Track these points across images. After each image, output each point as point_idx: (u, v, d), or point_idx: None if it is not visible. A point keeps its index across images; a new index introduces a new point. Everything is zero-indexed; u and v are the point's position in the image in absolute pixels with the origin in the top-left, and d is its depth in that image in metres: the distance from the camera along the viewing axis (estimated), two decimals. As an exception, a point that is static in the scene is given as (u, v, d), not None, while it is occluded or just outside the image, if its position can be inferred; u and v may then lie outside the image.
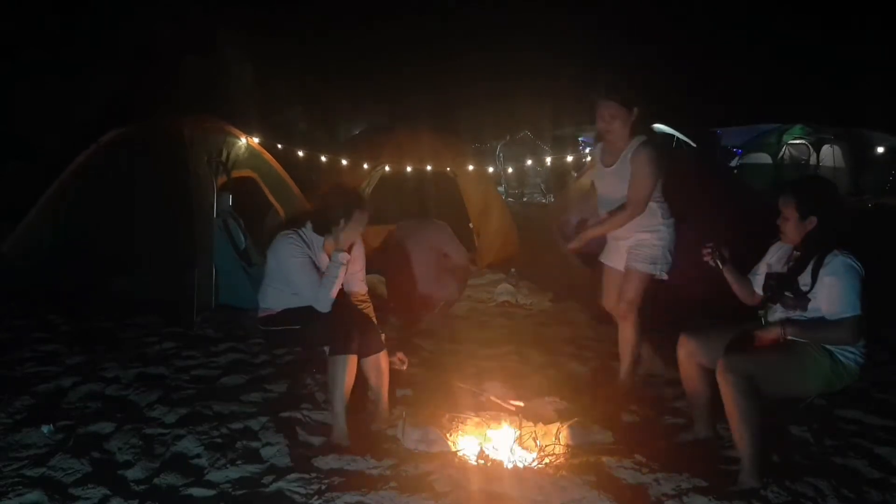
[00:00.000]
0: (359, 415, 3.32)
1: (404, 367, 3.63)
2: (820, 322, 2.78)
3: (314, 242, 3.36)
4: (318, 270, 3.27)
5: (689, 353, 3.10)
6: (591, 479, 2.65)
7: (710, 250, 3.06)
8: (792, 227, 2.88)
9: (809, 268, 2.82)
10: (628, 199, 3.50)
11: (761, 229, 3.31)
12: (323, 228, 3.33)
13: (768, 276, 3.04)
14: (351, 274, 3.54)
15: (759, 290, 3.09)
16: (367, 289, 3.68)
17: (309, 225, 3.37)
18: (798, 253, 2.91)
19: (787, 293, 2.88)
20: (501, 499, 2.59)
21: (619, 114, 3.45)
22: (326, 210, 3.30)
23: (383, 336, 3.48)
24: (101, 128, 6.18)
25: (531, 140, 18.51)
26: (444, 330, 5.23)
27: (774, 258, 3.08)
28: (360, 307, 3.55)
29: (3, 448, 3.00)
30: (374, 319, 3.58)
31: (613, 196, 3.59)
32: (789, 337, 2.80)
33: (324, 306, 3.20)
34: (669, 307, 4.99)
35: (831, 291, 2.73)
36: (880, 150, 17.96)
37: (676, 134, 16.66)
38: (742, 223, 4.96)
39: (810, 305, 2.81)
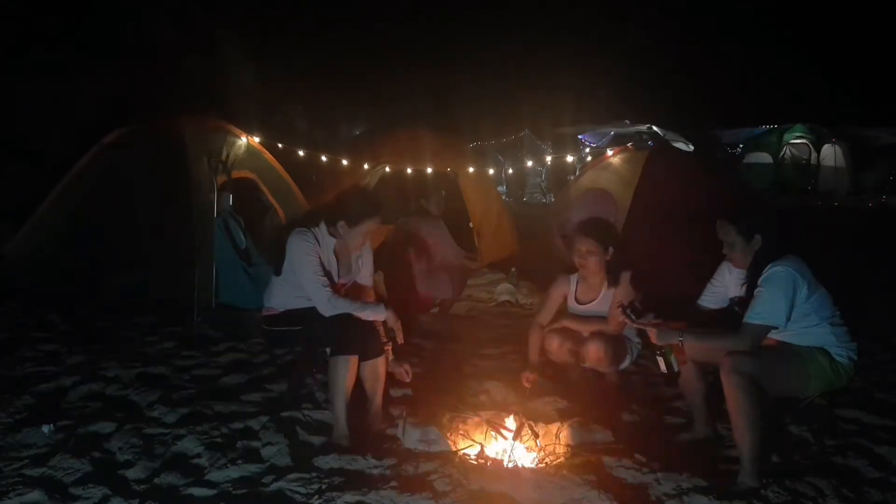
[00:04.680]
0: (359, 415, 3.32)
1: (408, 379, 3.64)
2: (725, 331, 2.85)
3: (326, 243, 3.36)
4: (326, 271, 3.27)
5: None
6: (591, 479, 2.65)
7: (621, 308, 3.13)
8: (739, 252, 2.93)
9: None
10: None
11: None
12: (333, 228, 3.33)
13: (732, 301, 3.10)
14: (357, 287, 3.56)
15: (711, 306, 3.19)
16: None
17: (323, 225, 3.36)
18: (751, 275, 2.92)
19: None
20: (501, 499, 2.58)
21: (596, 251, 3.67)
22: (340, 210, 3.29)
23: (390, 346, 3.47)
24: (102, 128, 6.18)
25: (531, 139, 18.54)
26: (444, 330, 5.24)
27: (731, 280, 3.11)
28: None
29: (4, 448, 3.00)
30: (384, 334, 3.56)
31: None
32: (685, 344, 2.89)
33: (327, 312, 3.19)
34: (660, 303, 5.00)
35: (755, 299, 2.79)
36: (881, 149, 17.96)
37: (672, 141, 16.62)
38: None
39: None
